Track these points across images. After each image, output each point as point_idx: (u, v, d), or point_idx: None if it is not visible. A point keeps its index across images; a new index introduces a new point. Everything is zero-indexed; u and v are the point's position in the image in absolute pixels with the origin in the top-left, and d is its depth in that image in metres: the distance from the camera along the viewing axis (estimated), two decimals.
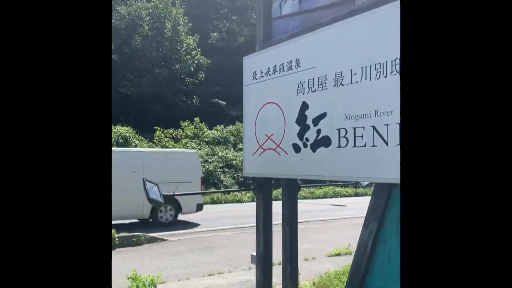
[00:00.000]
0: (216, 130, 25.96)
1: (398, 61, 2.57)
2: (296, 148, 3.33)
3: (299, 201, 4.14)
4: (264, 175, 3.79)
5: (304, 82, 3.28)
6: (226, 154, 23.39)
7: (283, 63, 3.51)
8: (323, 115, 3.11)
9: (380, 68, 2.69)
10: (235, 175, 21.40)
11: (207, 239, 9.01)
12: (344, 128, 2.92)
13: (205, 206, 12.72)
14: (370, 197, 3.03)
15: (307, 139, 3.24)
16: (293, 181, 4.10)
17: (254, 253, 4.04)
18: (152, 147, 21.43)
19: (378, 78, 2.70)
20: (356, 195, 20.64)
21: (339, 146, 2.96)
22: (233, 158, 23.05)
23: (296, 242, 4.08)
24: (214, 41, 36.45)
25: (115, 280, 5.03)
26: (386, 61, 2.64)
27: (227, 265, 6.49)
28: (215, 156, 22.84)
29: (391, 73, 2.61)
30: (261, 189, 3.87)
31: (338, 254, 7.17)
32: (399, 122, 2.54)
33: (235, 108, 29.42)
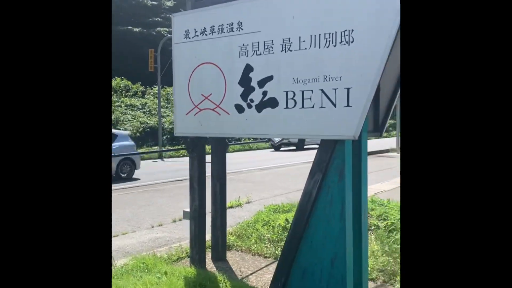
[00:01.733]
0: None
1: (348, 33, 2.93)
2: (239, 109, 3.51)
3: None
4: (201, 135, 3.88)
5: (248, 45, 3.43)
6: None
7: (222, 24, 3.57)
8: (269, 78, 3.34)
9: (329, 37, 3.02)
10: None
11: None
12: (292, 91, 3.22)
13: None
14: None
15: (251, 100, 3.44)
16: (222, 139, 4.29)
17: (186, 209, 4.16)
18: None
19: (327, 47, 3.03)
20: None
21: (287, 107, 3.25)
22: None
23: (225, 197, 4.35)
24: None
25: None
26: (336, 32, 2.98)
27: (129, 226, 6.41)
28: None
29: (340, 42, 2.97)
30: (196, 148, 3.97)
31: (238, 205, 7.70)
32: (347, 86, 2.95)
33: None
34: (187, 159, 4.16)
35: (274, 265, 3.84)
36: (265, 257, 4.32)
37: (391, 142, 24.79)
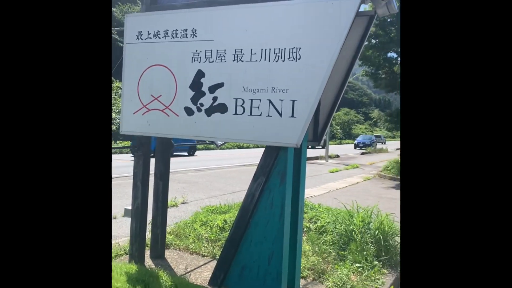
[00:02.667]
0: None
1: (295, 50, 3.21)
2: (189, 112, 3.65)
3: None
4: (148, 134, 3.95)
5: (201, 52, 3.59)
6: None
7: (176, 30, 3.69)
8: (220, 85, 3.52)
9: (279, 53, 3.27)
10: None
11: None
12: (241, 99, 3.43)
13: None
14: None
15: (201, 104, 3.60)
16: (167, 140, 4.38)
17: (128, 207, 4.19)
18: None
19: (276, 61, 3.29)
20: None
21: (235, 114, 3.46)
22: None
23: (167, 196, 4.44)
24: None
25: None
26: (285, 48, 3.25)
27: None
28: None
29: (288, 58, 3.24)
30: (142, 147, 4.02)
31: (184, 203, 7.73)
32: (292, 99, 3.22)
33: None
34: (124, 156, 4.19)
35: (213, 263, 4.01)
36: (203, 256, 4.47)
37: (321, 150, 26.00)
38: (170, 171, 4.50)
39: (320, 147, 39.99)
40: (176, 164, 14.26)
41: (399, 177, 14.13)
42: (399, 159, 16.43)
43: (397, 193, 11.39)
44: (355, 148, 37.36)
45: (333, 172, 15.70)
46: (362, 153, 30.10)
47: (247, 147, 26.96)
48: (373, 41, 14.08)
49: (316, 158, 22.34)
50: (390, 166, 15.71)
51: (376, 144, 37.58)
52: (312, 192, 10.10)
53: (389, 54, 14.61)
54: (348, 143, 50.24)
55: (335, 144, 37.38)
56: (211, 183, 10.90)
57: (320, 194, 9.76)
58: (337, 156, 25.41)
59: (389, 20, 13.45)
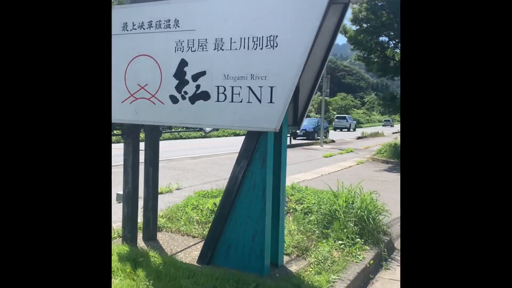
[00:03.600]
0: None
1: (272, 38, 3.36)
2: (174, 99, 3.82)
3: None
4: (136, 122, 4.12)
5: (183, 41, 3.74)
6: None
7: (160, 20, 3.84)
8: (203, 73, 3.68)
9: (257, 41, 3.43)
10: None
11: None
12: (223, 86, 3.59)
13: None
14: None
15: (185, 92, 3.77)
16: (156, 127, 4.55)
17: (120, 192, 4.39)
18: None
19: (255, 49, 3.45)
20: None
21: (218, 101, 3.63)
22: None
23: (157, 180, 4.63)
24: None
25: None
26: (263, 36, 3.40)
27: None
28: None
29: (266, 46, 3.40)
30: (131, 135, 4.20)
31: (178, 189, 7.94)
32: (271, 85, 3.39)
33: None
34: (121, 145, 4.37)
35: (202, 244, 4.22)
36: (194, 237, 4.68)
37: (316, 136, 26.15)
38: (167, 158, 4.69)
39: (352, 130, 40.73)
40: (173, 152, 14.45)
41: (391, 160, 14.36)
42: (393, 143, 16.65)
43: (389, 175, 11.62)
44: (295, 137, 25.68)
45: (327, 157, 15.91)
46: (358, 138, 30.31)
47: (243, 134, 27.07)
48: (364, 25, 14.16)
49: (311, 143, 22.54)
50: (383, 149, 15.92)
51: (327, 132, 27.44)
52: (304, 176, 10.32)
53: (381, 38, 14.71)
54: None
55: (330, 129, 37.56)
56: (206, 169, 11.11)
57: (312, 178, 9.98)
58: (333, 141, 25.62)
59: (380, 4, 13.52)
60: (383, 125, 53.83)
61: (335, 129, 41.70)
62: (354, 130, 42.21)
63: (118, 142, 19.18)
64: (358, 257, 4.16)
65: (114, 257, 3.43)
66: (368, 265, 4.09)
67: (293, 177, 9.59)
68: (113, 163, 9.27)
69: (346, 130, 41.47)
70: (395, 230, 5.71)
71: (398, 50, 15.08)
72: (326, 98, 27.79)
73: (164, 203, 6.39)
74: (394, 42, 14.82)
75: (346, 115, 46.94)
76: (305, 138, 25.25)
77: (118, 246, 3.83)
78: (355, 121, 46.97)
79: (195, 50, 3.70)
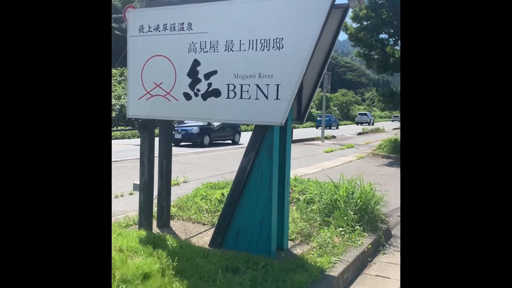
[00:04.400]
0: None
1: (279, 40, 3.69)
2: (187, 96, 4.15)
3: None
4: (152, 117, 4.46)
5: (196, 43, 4.07)
6: None
7: (174, 23, 4.16)
8: (214, 72, 4.01)
9: (264, 43, 3.75)
10: None
11: None
12: (232, 84, 3.92)
13: None
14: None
15: (198, 90, 4.09)
16: (169, 122, 4.89)
17: (136, 182, 4.73)
18: None
19: (262, 50, 3.77)
20: None
21: (228, 97, 3.95)
22: None
23: (170, 172, 4.97)
24: None
25: None
26: (269, 39, 3.73)
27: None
28: None
29: (273, 47, 3.72)
30: (146, 129, 4.53)
31: (185, 181, 8.29)
32: (277, 83, 3.71)
33: None
34: (130, 141, 4.69)
35: (212, 230, 4.55)
36: (204, 224, 5.02)
37: (317, 131, 26.50)
38: (172, 153, 5.02)
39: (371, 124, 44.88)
40: (175, 147, 14.78)
41: (392, 155, 14.68)
42: (393, 138, 16.97)
43: (389, 169, 11.95)
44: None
45: (328, 152, 16.24)
46: (359, 134, 30.63)
47: (244, 130, 27.40)
48: (365, 23, 14.45)
49: (313, 139, 22.87)
50: (384, 144, 16.24)
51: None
52: (306, 170, 10.65)
53: (381, 35, 15.00)
54: (346, 124, 50.80)
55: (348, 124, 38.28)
56: (210, 164, 11.45)
57: (313, 172, 10.31)
58: (333, 137, 25.94)
59: (380, 2, 13.81)
60: (392, 121, 56.45)
61: (357, 123, 50.13)
62: (372, 124, 48.55)
63: (122, 137, 19.54)
64: (357, 242, 4.50)
65: (135, 240, 3.77)
66: (366, 249, 4.43)
67: (295, 171, 9.92)
68: (122, 158, 9.62)
69: (366, 124, 48.18)
70: (393, 219, 6.05)
71: (397, 47, 15.38)
72: (327, 94, 28.14)
73: (173, 195, 6.69)
74: (393, 39, 15.12)
75: (367, 112, 56.46)
76: (188, 143, 16.92)
77: (136, 232, 4.17)
78: (373, 117, 55.70)
79: (207, 51, 4.02)
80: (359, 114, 55.09)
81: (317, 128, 37.64)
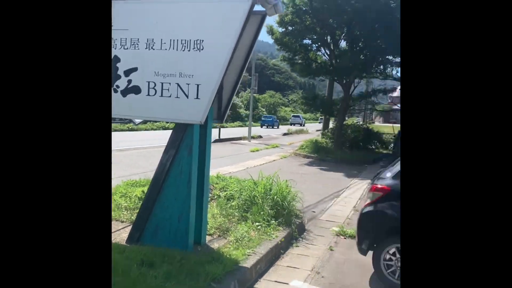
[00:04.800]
0: None
1: (199, 42, 3.82)
2: None
3: None
4: None
5: (116, 39, 4.06)
6: None
7: None
8: (134, 69, 4.03)
9: (185, 43, 3.86)
10: None
11: None
12: (153, 82, 3.98)
13: None
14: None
15: (117, 86, 4.09)
16: None
17: None
18: None
19: (183, 50, 3.88)
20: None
21: (148, 95, 4.00)
22: None
23: None
24: None
25: None
26: (190, 40, 3.84)
27: None
28: None
29: (193, 48, 3.85)
30: None
31: None
32: (197, 83, 3.84)
33: None
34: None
35: (130, 227, 4.56)
36: (122, 221, 5.00)
37: (244, 131, 26.96)
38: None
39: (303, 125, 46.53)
40: None
41: (312, 155, 15.44)
42: (314, 139, 17.83)
43: (308, 168, 12.58)
44: None
45: (253, 151, 16.64)
46: (284, 134, 31.63)
47: (171, 128, 27.07)
48: (290, 28, 15.03)
49: (239, 138, 23.23)
50: (305, 145, 17.01)
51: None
52: (230, 169, 10.87)
53: (305, 41, 15.70)
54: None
55: (258, 126, 39.40)
56: (135, 162, 11.22)
57: (237, 171, 10.56)
58: (260, 136, 26.55)
59: (304, 9, 14.45)
60: (319, 122, 50.71)
61: (291, 124, 52.74)
62: (304, 125, 50.58)
63: None
64: (271, 236, 4.77)
65: None
66: (279, 242, 4.72)
67: (220, 169, 10.08)
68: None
69: (299, 125, 50.92)
70: (308, 215, 6.46)
71: (319, 53, 16.20)
72: (255, 95, 28.70)
73: None
74: (316, 45, 15.89)
75: (299, 115, 58.63)
76: None
77: None
78: (304, 119, 58.06)
79: (127, 48, 4.04)
80: (293, 116, 58.78)
81: (261, 127, 40.09)
